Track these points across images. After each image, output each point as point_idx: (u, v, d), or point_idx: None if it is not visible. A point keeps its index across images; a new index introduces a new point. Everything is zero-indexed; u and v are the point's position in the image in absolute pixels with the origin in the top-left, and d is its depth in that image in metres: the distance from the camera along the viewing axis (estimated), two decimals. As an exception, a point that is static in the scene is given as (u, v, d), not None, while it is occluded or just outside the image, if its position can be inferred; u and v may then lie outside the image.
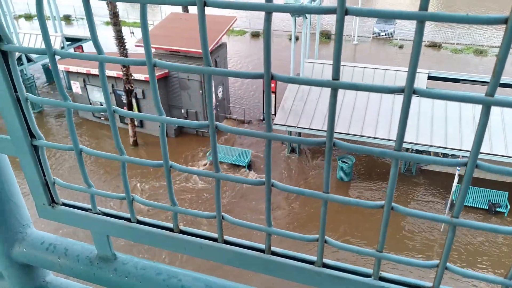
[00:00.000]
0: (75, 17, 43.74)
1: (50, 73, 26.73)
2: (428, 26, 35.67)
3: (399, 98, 16.94)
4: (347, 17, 0.57)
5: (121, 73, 18.35)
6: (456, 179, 14.30)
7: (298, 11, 0.61)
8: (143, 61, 0.69)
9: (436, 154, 15.78)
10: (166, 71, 18.95)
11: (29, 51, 0.83)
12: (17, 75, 0.84)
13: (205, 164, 18.69)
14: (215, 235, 0.88)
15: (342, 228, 14.89)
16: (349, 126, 16.49)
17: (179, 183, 17.36)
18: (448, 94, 0.58)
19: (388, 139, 15.84)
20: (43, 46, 0.77)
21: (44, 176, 0.96)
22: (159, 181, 17.62)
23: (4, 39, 0.80)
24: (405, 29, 35.39)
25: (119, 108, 0.80)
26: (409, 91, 0.58)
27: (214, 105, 21.28)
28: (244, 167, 18.38)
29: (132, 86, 19.03)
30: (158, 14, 42.37)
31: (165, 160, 0.81)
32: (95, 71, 19.59)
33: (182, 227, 0.90)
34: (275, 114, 20.51)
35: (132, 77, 18.65)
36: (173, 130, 20.39)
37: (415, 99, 16.74)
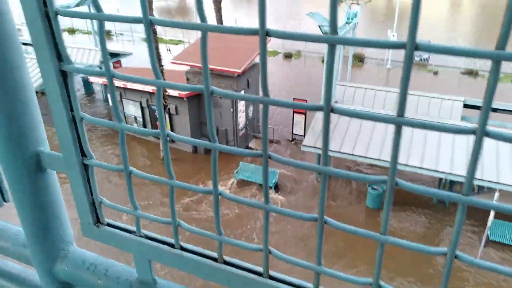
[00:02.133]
0: (115, 33, 45.58)
1: (89, 85, 27.78)
2: (465, 53, 34.83)
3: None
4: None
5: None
6: (492, 213, 13.70)
7: (365, 45, 0.58)
8: (201, 88, 0.68)
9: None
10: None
11: (88, 73, 0.84)
12: (74, 95, 0.86)
13: (232, 183, 18.71)
14: (260, 268, 0.85)
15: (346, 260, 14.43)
16: (374, 151, 16.15)
17: (188, 211, 16.96)
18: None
19: (421, 168, 15.36)
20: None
21: (92, 195, 0.97)
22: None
23: (64, 60, 0.82)
24: (441, 55, 34.73)
25: (172, 133, 0.80)
26: (481, 133, 0.55)
27: (244, 124, 21.42)
28: (270, 187, 18.29)
29: (166, 102, 19.44)
30: (193, 33, 43.48)
31: (214, 188, 0.80)
32: (132, 85, 20.18)
33: (226, 258, 0.88)
34: (304, 136, 20.43)
35: (167, 93, 19.08)
36: (203, 148, 20.61)
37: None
